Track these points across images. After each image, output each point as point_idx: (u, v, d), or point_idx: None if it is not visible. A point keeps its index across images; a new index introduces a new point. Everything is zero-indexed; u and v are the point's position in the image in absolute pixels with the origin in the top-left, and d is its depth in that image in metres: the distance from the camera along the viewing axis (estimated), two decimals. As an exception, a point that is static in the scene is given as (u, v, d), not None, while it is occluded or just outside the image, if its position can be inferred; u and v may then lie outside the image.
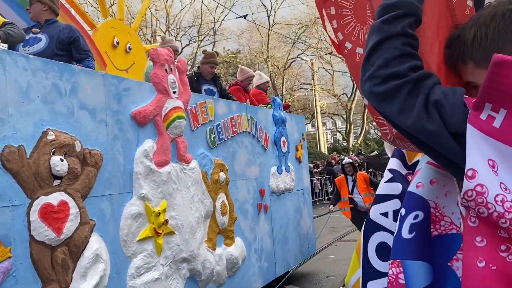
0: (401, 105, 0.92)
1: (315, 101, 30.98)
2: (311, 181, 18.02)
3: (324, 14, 1.29)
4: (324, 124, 38.46)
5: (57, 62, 2.84)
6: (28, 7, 3.77)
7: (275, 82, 31.18)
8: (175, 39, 26.75)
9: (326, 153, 29.24)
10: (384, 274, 1.42)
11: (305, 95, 35.05)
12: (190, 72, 5.72)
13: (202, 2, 27.91)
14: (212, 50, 28.96)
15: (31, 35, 3.66)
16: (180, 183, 3.91)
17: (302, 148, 6.92)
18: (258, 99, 6.57)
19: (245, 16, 22.01)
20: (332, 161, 21.02)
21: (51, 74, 2.77)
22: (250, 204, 5.26)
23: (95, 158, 3.01)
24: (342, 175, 7.41)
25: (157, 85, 3.73)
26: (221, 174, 4.57)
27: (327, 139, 40.88)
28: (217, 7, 27.40)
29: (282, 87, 31.15)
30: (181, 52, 27.73)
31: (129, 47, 5.66)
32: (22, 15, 4.11)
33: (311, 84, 31.93)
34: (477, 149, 0.79)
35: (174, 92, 3.90)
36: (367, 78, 0.99)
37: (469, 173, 0.80)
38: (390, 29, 0.97)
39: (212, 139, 4.53)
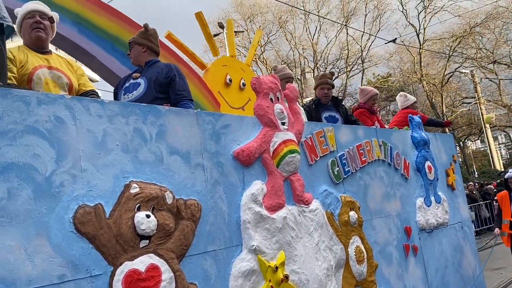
0: None
1: (482, 114, 29.10)
2: (487, 204, 16.31)
3: None
4: (495, 138, 35.87)
5: (139, 104, 2.52)
6: (129, 52, 3.64)
7: (433, 100, 29.95)
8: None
9: (502, 170, 27.00)
10: None
11: (468, 109, 33.02)
12: (309, 101, 5.14)
13: (347, 33, 28.15)
14: (362, 78, 29.64)
15: (131, 81, 3.49)
16: (300, 229, 3.30)
17: (454, 173, 5.77)
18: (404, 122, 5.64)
19: (394, 40, 21.36)
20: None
21: (133, 118, 2.45)
22: (394, 246, 4.37)
23: (192, 210, 2.58)
24: (505, 190, 6.02)
25: (261, 118, 3.24)
26: (351, 213, 3.83)
27: (501, 155, 37.54)
28: (362, 35, 27.48)
29: (442, 104, 29.64)
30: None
31: (243, 83, 5.36)
32: (126, 63, 4.03)
33: (474, 97, 30.30)
34: None
35: (283, 124, 3.37)
36: None
37: None
38: None
39: (335, 173, 3.85)
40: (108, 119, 2.32)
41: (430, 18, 29.25)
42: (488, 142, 30.11)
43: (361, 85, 30.08)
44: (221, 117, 2.98)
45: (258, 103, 3.27)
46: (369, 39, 28.26)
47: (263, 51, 28.65)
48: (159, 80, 3.47)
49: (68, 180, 2.09)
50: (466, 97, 32.98)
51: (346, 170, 3.99)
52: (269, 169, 3.19)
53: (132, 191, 2.32)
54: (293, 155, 3.33)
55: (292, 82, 4.74)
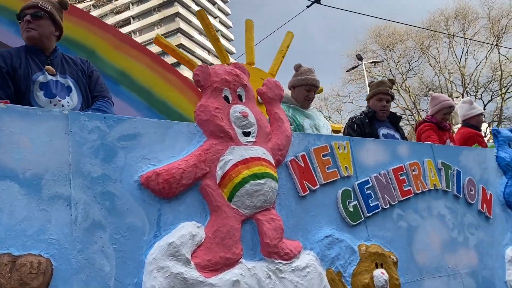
0: None
1: None
2: None
3: None
4: None
5: None
6: (27, 20, 2.49)
7: None
8: (475, 98, 25.82)
9: None
10: None
11: None
12: (360, 114, 3.85)
13: (499, 53, 25.91)
14: None
15: (49, 77, 2.51)
16: (270, 301, 2.07)
17: None
18: (470, 143, 4.04)
19: None
20: None
21: None
22: (464, 323, 2.85)
23: (21, 274, 1.55)
24: None
25: (204, 124, 2.13)
26: (378, 272, 2.46)
27: None
28: None
29: None
30: (484, 109, 25.77)
31: (261, 94, 4.25)
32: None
33: None
34: None
35: (247, 134, 2.21)
36: None
37: None
38: None
39: (350, 209, 2.54)
40: None
41: None
42: None
43: None
44: (122, 123, 1.93)
45: (202, 103, 2.17)
46: None
47: (405, 79, 27.55)
48: (84, 81, 2.56)
49: None
50: None
51: (373, 205, 2.65)
52: (213, 203, 2.04)
53: None
54: (261, 181, 2.14)
55: (315, 92, 3.55)
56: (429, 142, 3.32)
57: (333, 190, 2.52)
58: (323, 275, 2.29)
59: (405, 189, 2.83)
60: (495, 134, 3.66)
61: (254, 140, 2.23)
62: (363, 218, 2.58)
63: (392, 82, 3.91)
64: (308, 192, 2.41)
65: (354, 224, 2.53)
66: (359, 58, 22.47)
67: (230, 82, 2.24)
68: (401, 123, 3.68)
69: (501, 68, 26.26)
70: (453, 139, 4.23)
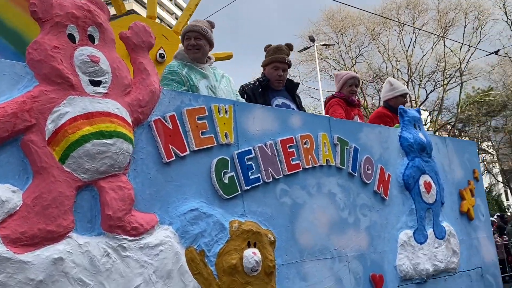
0: None
1: None
2: None
3: None
4: None
5: None
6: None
7: None
8: (419, 87, 26.95)
9: None
10: None
11: None
12: (253, 82, 3.51)
13: (445, 45, 26.82)
14: (460, 91, 27.47)
15: None
16: (106, 284, 1.73)
17: (473, 195, 3.94)
18: (377, 124, 3.86)
19: (497, 52, 19.79)
20: None
21: None
22: (345, 308, 2.68)
23: None
24: None
25: (37, 66, 1.72)
26: (249, 253, 2.20)
27: None
28: (461, 47, 26.03)
29: None
30: (426, 98, 27.66)
31: (160, 54, 3.84)
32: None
33: None
34: None
35: (96, 83, 1.82)
36: None
37: None
38: None
39: (226, 180, 2.24)
40: None
41: (541, 26, 26.97)
42: None
43: (459, 100, 28.35)
44: None
45: (37, 40, 1.75)
46: (468, 50, 26.59)
47: (354, 63, 27.78)
48: None
49: None
50: None
51: (253, 178, 2.37)
52: (37, 163, 1.65)
53: None
54: (108, 141, 1.78)
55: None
56: (325, 115, 3.08)
57: (207, 158, 2.21)
58: (180, 254, 1.98)
59: (293, 163, 2.58)
60: (401, 113, 3.51)
61: (106, 91, 1.86)
62: (239, 192, 2.29)
63: (290, 47, 3.60)
64: (174, 158, 2.08)
65: (228, 197, 2.24)
66: (312, 39, 22.49)
67: (78, 18, 1.83)
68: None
69: (445, 60, 27.16)
70: (362, 116, 4.06)
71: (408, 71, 27.95)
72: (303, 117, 2.76)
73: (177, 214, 2.04)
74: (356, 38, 27.68)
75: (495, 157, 35.90)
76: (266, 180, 2.42)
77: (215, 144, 2.24)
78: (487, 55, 20.91)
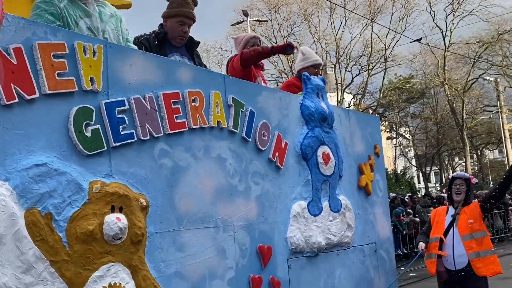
0: None
1: (502, 124, 29.01)
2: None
3: None
4: None
5: None
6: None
7: (454, 105, 29.93)
8: (345, 70, 28.08)
9: None
10: None
11: (489, 118, 32.90)
12: (149, 34, 3.12)
13: (372, 31, 27.76)
14: (384, 77, 28.83)
15: None
16: None
17: (373, 171, 3.93)
18: None
19: (419, 40, 20.51)
20: None
21: None
22: (227, 281, 2.48)
23: None
24: (444, 206, 4.24)
25: None
26: (111, 218, 1.90)
27: None
28: (387, 34, 27.01)
29: (463, 110, 29.55)
30: (352, 81, 28.69)
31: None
32: None
33: (496, 106, 30.02)
34: None
35: None
36: None
37: None
38: None
39: (89, 134, 1.91)
40: None
41: (458, 22, 28.72)
42: (507, 153, 29.68)
43: (382, 85, 29.00)
44: None
45: None
46: (393, 38, 27.70)
47: (285, 42, 28.28)
48: None
49: None
50: (487, 105, 32.32)
51: (125, 133, 2.05)
52: None
53: None
54: None
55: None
56: (219, 73, 2.82)
57: (64, 105, 1.86)
58: (18, 216, 1.64)
59: (177, 121, 2.30)
60: (304, 80, 3.34)
61: None
62: (105, 148, 1.97)
63: (195, 2, 3.28)
64: (18, 101, 1.71)
65: (90, 154, 1.92)
66: (245, 14, 22.20)
67: None
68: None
69: (371, 46, 28.10)
70: (264, 79, 3.86)
71: (336, 54, 28.68)
72: (193, 72, 2.48)
73: (17, 168, 1.68)
74: (289, 17, 27.94)
75: (411, 142, 38.30)
76: (142, 138, 2.13)
77: (76, 89, 1.90)
78: (410, 42, 21.70)
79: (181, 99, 2.34)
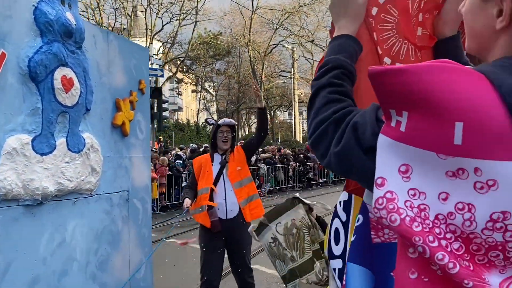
0: (328, 145, 0.94)
1: (294, 89, 31.39)
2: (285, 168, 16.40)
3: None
4: (301, 113, 39.60)
5: None
6: None
7: (255, 67, 31.47)
8: (156, 16, 27.78)
9: (301, 142, 29.81)
10: (338, 256, 1.44)
11: (284, 82, 35.79)
12: None
13: None
14: (194, 29, 28.25)
15: None
16: None
17: (134, 109, 3.39)
18: None
19: None
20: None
21: None
22: None
23: None
24: (207, 154, 4.05)
25: None
26: None
27: (303, 128, 41.23)
28: None
29: (262, 72, 31.32)
30: (162, 29, 28.64)
31: None
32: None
33: (290, 72, 32.50)
34: (387, 157, 0.77)
35: None
36: (308, 131, 1.02)
37: (379, 181, 0.77)
38: (319, 83, 1.06)
39: None
40: None
41: (267, -15, 30.68)
42: (294, 115, 32.51)
43: (191, 37, 28.68)
44: None
45: None
46: None
47: None
48: None
49: None
50: (283, 70, 35.04)
51: None
52: None
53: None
54: None
55: None
56: None
57: None
58: None
59: None
60: (46, -22, 2.54)
61: None
62: None
63: None
64: None
65: None
66: None
67: None
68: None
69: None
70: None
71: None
72: None
73: None
74: None
75: (214, 97, 39.53)
76: None
77: None
78: None
79: None
